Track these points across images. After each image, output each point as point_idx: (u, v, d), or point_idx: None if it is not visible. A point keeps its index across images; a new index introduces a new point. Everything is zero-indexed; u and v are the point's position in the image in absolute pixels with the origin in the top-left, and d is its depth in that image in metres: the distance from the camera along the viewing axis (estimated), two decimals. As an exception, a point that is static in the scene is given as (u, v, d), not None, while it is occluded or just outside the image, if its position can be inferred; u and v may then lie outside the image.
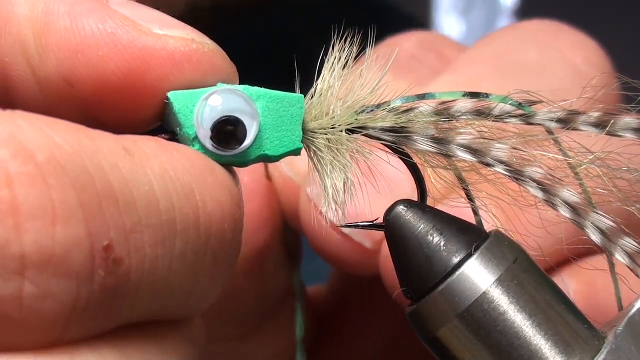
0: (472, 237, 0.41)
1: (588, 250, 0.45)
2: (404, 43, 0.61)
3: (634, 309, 0.40)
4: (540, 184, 0.42)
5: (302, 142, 0.42)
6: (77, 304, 0.32)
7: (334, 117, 0.43)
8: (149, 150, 0.35)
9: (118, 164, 0.34)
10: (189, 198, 0.36)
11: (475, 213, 0.44)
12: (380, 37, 0.49)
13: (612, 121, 0.42)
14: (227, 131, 0.40)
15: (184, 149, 0.38)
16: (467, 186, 0.44)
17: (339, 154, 0.43)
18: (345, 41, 0.44)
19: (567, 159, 0.43)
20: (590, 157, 0.43)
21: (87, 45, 0.37)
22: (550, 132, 0.43)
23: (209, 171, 0.37)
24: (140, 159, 0.35)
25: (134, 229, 0.33)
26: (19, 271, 0.31)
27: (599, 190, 0.43)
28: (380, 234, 0.46)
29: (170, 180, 0.35)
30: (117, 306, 0.33)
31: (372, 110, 0.44)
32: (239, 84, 0.41)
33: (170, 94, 0.39)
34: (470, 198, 0.44)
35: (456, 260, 0.40)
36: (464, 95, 0.44)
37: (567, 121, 0.43)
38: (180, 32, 0.39)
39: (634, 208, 0.43)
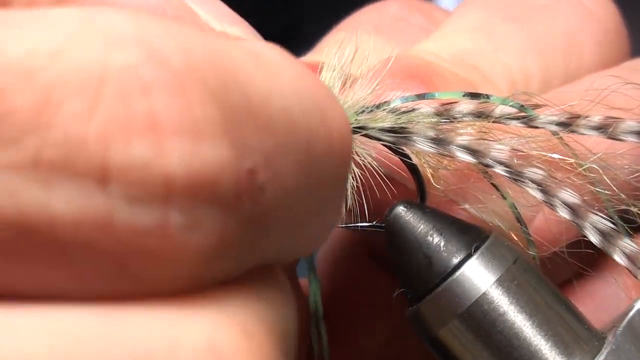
0: (471, 237, 0.42)
1: None
2: (388, 7, 0.59)
3: (634, 310, 0.41)
4: (539, 185, 0.43)
5: None
6: (224, 237, 0.28)
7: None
8: (275, 60, 0.31)
9: (254, 74, 0.29)
10: (323, 119, 0.31)
11: (475, 213, 0.45)
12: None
13: (614, 124, 0.43)
14: None
15: (301, 63, 0.33)
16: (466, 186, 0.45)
17: None
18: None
19: (568, 159, 0.44)
20: (592, 159, 0.44)
21: None
22: (554, 133, 0.44)
23: (330, 93, 0.33)
24: (271, 69, 0.30)
25: (274, 151, 0.29)
26: (164, 197, 0.27)
27: (601, 191, 0.44)
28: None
29: (304, 95, 0.31)
30: (257, 242, 0.30)
31: (372, 111, 0.44)
32: None
33: None
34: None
35: (456, 260, 0.41)
36: (464, 96, 0.45)
37: (569, 124, 0.43)
38: (239, 30, 0.36)
39: (635, 209, 0.44)
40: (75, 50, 0.26)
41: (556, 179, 0.43)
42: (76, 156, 0.26)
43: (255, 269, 0.31)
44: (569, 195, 0.43)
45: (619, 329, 0.40)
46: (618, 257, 0.43)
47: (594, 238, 0.43)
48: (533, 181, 0.43)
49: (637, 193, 0.45)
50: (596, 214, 0.43)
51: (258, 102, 0.29)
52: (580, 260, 0.46)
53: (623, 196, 0.44)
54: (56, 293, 0.27)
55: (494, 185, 0.45)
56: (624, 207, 0.44)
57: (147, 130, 0.26)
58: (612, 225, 0.43)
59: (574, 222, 0.43)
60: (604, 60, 0.54)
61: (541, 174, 0.43)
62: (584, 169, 0.44)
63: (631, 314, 0.41)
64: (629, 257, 0.43)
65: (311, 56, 0.54)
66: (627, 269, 0.43)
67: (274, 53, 0.31)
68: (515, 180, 0.43)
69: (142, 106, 0.26)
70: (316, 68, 0.45)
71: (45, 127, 0.26)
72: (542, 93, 0.49)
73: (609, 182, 0.44)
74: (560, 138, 0.44)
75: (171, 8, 0.34)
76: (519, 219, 0.44)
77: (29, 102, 0.26)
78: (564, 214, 0.43)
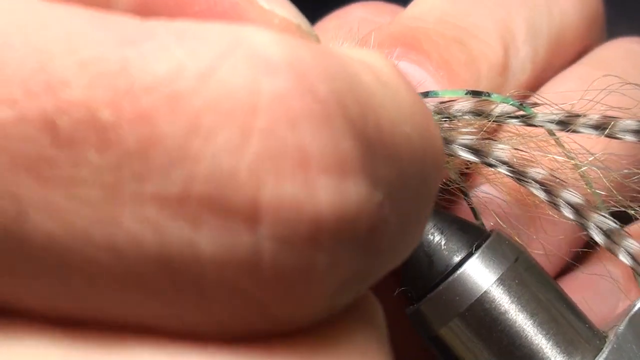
0: (472, 236, 0.42)
1: None
2: (352, 12, 0.58)
3: (635, 308, 0.41)
4: (542, 185, 0.43)
5: None
6: (356, 273, 0.27)
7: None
8: (394, 81, 0.29)
9: (384, 100, 0.28)
10: (431, 137, 0.29)
11: (476, 213, 0.45)
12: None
13: (612, 123, 0.43)
14: None
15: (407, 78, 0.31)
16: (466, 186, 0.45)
17: None
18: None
19: (569, 160, 0.44)
20: (591, 159, 0.44)
21: None
22: (551, 133, 0.44)
23: (429, 111, 0.31)
24: (393, 90, 0.28)
25: (397, 181, 0.27)
26: (313, 238, 0.25)
27: (598, 191, 0.44)
28: None
29: (419, 119, 0.29)
30: (375, 271, 0.28)
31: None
32: None
33: None
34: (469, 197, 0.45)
35: (457, 259, 0.41)
36: (465, 94, 0.45)
37: (567, 123, 0.44)
38: (287, 12, 0.33)
39: (632, 211, 0.44)
40: (224, 73, 0.24)
41: (559, 178, 0.43)
42: (227, 192, 0.24)
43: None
44: (572, 195, 0.43)
45: (620, 328, 0.41)
46: (623, 257, 0.43)
47: (598, 238, 0.43)
48: (536, 181, 0.43)
49: (635, 195, 0.45)
50: (600, 214, 0.43)
51: (388, 131, 0.27)
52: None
53: (620, 197, 0.44)
54: (195, 333, 0.26)
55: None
56: (621, 208, 0.44)
57: (298, 167, 0.24)
58: (615, 225, 0.43)
59: (577, 222, 0.43)
60: (584, 19, 0.55)
61: (544, 174, 0.43)
62: (581, 170, 0.44)
63: (632, 312, 0.41)
64: (633, 256, 0.43)
65: None
66: (631, 268, 0.43)
67: (391, 71, 0.29)
68: (519, 180, 0.43)
69: (292, 140, 0.24)
70: None
71: (195, 159, 0.24)
72: (529, 47, 0.49)
73: (607, 182, 0.44)
74: (557, 138, 0.44)
75: None
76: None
77: (177, 130, 0.24)
78: (567, 214, 0.43)
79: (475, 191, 0.46)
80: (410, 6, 0.53)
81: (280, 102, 0.24)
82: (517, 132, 0.45)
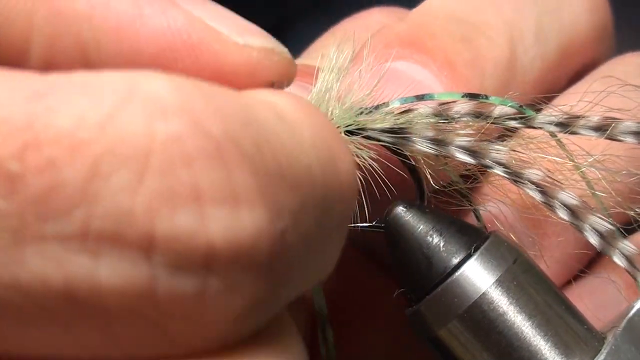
0: (471, 237, 0.42)
1: None
2: (371, 15, 0.60)
3: (633, 310, 0.41)
4: (538, 186, 0.43)
5: None
6: (259, 298, 0.29)
7: (332, 119, 0.44)
8: (296, 117, 0.31)
9: (282, 136, 0.30)
10: (336, 168, 0.32)
11: (475, 214, 0.45)
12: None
13: (612, 125, 0.43)
14: None
15: (317, 110, 0.34)
16: (465, 187, 0.45)
17: None
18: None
19: (568, 161, 0.44)
20: (590, 160, 0.44)
21: (159, 46, 0.33)
22: (552, 134, 0.44)
23: (340, 137, 0.34)
24: (293, 126, 0.31)
25: (299, 209, 0.29)
26: (205, 264, 0.27)
27: (597, 193, 0.44)
28: None
29: (321, 149, 0.31)
30: (281, 296, 0.30)
31: (371, 112, 0.45)
32: None
33: None
34: (468, 199, 0.45)
35: (456, 260, 0.41)
36: (463, 97, 0.45)
37: (567, 124, 0.44)
38: (261, 40, 0.35)
39: (632, 213, 0.45)
40: (121, 121, 0.27)
41: (555, 180, 0.43)
42: (123, 227, 0.27)
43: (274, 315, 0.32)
44: (568, 196, 0.43)
45: (619, 329, 0.41)
46: (617, 259, 0.43)
47: (592, 239, 0.43)
48: (532, 182, 0.43)
49: (635, 196, 0.45)
50: (595, 216, 0.43)
51: (286, 164, 0.29)
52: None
53: (620, 199, 0.44)
54: (98, 359, 0.28)
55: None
56: (621, 210, 0.45)
57: (191, 201, 0.27)
58: (610, 227, 0.43)
59: (573, 223, 0.43)
60: (594, 29, 0.55)
61: (540, 175, 0.43)
62: (581, 171, 0.44)
63: (630, 314, 0.41)
64: (627, 258, 0.43)
65: (305, 60, 0.54)
66: (626, 270, 0.43)
67: (294, 108, 0.32)
68: (515, 181, 0.44)
69: (185, 177, 0.27)
70: (312, 73, 0.46)
71: (93, 200, 0.26)
72: (537, 48, 0.49)
73: (606, 185, 0.44)
74: (558, 140, 0.45)
75: (195, 30, 0.34)
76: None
77: (77, 175, 0.26)
78: (563, 215, 0.43)
79: (486, 207, 0.46)
80: (422, 4, 0.53)
81: (174, 143, 0.27)
82: (527, 136, 0.45)
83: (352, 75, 0.45)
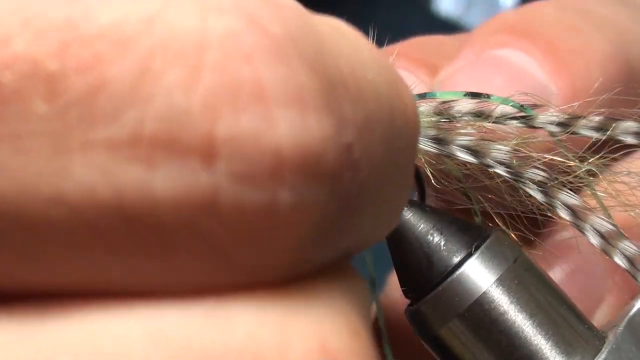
0: (472, 236, 0.42)
1: None
2: (439, 37, 0.57)
3: (635, 309, 0.41)
4: (539, 186, 0.44)
5: None
6: (326, 217, 0.26)
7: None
8: (352, 34, 0.29)
9: (341, 46, 0.27)
10: (399, 92, 0.29)
11: (475, 213, 0.46)
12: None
13: (613, 125, 0.44)
14: None
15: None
16: (467, 186, 0.45)
17: None
18: None
19: (569, 161, 0.45)
20: (590, 160, 0.44)
21: None
22: (552, 135, 0.45)
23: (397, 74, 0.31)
24: (355, 42, 0.29)
25: (365, 124, 0.26)
26: (274, 172, 0.24)
27: (599, 194, 0.44)
28: None
29: (383, 69, 0.29)
30: (349, 225, 0.27)
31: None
32: None
33: None
34: (469, 198, 0.46)
35: (456, 259, 0.42)
36: (464, 95, 0.45)
37: (568, 124, 0.44)
38: None
39: (632, 213, 0.45)
40: (170, 17, 0.24)
41: (556, 180, 0.44)
42: (181, 130, 0.24)
43: (337, 261, 0.28)
44: (569, 196, 0.43)
45: (620, 329, 0.41)
46: (618, 259, 0.43)
47: (594, 240, 0.43)
48: (534, 182, 0.44)
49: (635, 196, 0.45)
50: (596, 216, 0.43)
51: (349, 74, 0.26)
52: None
53: (620, 199, 0.45)
54: (151, 289, 0.25)
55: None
56: (621, 210, 0.45)
57: (255, 100, 0.24)
58: (612, 227, 0.43)
59: (574, 223, 0.43)
60: None
61: (542, 175, 0.44)
62: (581, 172, 0.44)
63: (632, 313, 0.41)
64: (629, 259, 0.43)
65: None
66: (627, 271, 0.43)
67: (347, 27, 0.29)
68: (516, 181, 0.44)
69: (247, 74, 0.24)
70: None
71: (145, 99, 0.23)
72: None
73: (606, 185, 0.44)
74: (558, 140, 0.45)
75: None
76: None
77: (126, 72, 0.23)
78: (564, 215, 0.43)
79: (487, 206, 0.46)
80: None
81: (232, 38, 0.24)
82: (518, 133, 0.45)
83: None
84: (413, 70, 0.49)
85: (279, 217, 0.25)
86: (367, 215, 0.28)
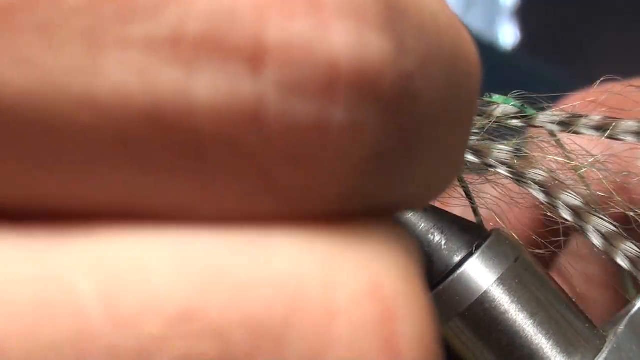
0: (473, 235, 0.42)
1: None
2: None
3: (635, 308, 0.41)
4: (542, 186, 0.44)
5: None
6: (381, 146, 0.23)
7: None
8: None
9: None
10: (462, 38, 0.26)
11: (476, 212, 0.46)
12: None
13: (613, 124, 0.44)
14: None
15: None
16: (467, 185, 0.46)
17: None
18: None
19: (569, 161, 0.45)
20: (590, 160, 0.45)
21: None
22: (552, 134, 0.45)
23: None
24: None
25: (427, 56, 0.24)
26: (327, 86, 0.22)
27: (599, 193, 0.45)
28: None
29: (446, 9, 0.26)
30: (404, 166, 0.24)
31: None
32: None
33: None
34: (470, 197, 0.46)
35: (457, 259, 0.42)
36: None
37: (568, 124, 0.44)
38: None
39: (632, 213, 0.45)
40: None
41: (558, 180, 0.44)
42: (226, 30, 0.21)
43: (386, 213, 0.25)
44: (571, 197, 0.44)
45: (620, 328, 0.41)
46: (621, 261, 0.43)
47: (596, 241, 0.43)
48: (535, 182, 0.44)
49: (635, 197, 0.46)
50: (599, 217, 0.43)
51: (410, 3, 0.24)
52: None
53: (620, 199, 0.45)
54: (184, 213, 0.22)
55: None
56: (621, 211, 0.45)
57: (309, 6, 0.21)
58: (614, 229, 0.43)
59: (576, 224, 0.44)
60: None
61: (544, 176, 0.44)
62: (581, 172, 0.45)
63: (632, 312, 0.41)
64: (632, 260, 0.43)
65: None
66: (630, 272, 0.43)
67: None
68: (518, 181, 0.44)
69: None
70: None
71: None
72: None
73: (607, 185, 0.45)
74: (558, 139, 0.45)
75: None
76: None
77: None
78: (566, 216, 0.43)
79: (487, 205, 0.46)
80: None
81: None
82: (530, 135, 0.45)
83: None
84: None
85: (330, 136, 0.22)
86: (423, 161, 0.25)
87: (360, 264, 0.23)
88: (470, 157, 0.44)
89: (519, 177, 0.44)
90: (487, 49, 1.16)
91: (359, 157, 0.23)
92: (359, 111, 0.22)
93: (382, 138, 0.23)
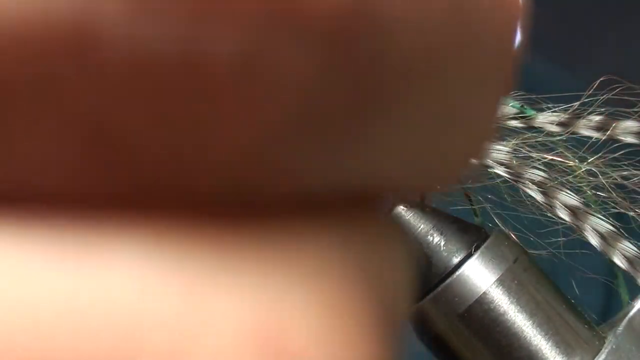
0: (472, 236, 0.43)
1: None
2: None
3: (634, 309, 0.42)
4: (539, 187, 0.44)
5: None
6: (298, 102, 0.15)
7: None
8: None
9: None
10: None
11: (475, 214, 0.46)
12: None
13: (613, 125, 0.44)
14: None
15: None
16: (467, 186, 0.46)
17: None
18: None
19: (568, 161, 0.45)
20: (590, 160, 0.45)
21: None
22: (552, 134, 0.45)
23: None
24: None
25: None
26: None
27: (598, 194, 0.45)
28: None
29: None
30: (368, 116, 0.16)
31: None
32: None
33: None
34: (469, 198, 0.46)
35: (456, 260, 0.42)
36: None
37: (568, 124, 0.44)
38: None
39: (631, 213, 0.45)
40: None
41: (556, 180, 0.44)
42: None
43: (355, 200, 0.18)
44: (569, 197, 0.44)
45: (619, 329, 0.41)
46: (618, 260, 0.44)
47: (593, 241, 0.44)
48: (533, 182, 0.44)
49: (635, 196, 0.46)
50: (596, 216, 0.44)
51: None
52: None
53: (620, 199, 0.45)
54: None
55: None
56: (621, 210, 0.45)
57: None
58: (612, 228, 0.44)
59: (573, 224, 0.44)
60: None
61: (541, 176, 0.44)
62: (582, 171, 0.45)
63: (631, 313, 0.42)
64: (629, 260, 0.44)
65: None
66: (627, 272, 0.44)
67: None
68: (515, 181, 0.44)
69: None
70: None
71: None
72: None
73: (606, 184, 0.45)
74: (558, 140, 0.45)
75: None
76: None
77: None
78: (563, 215, 0.44)
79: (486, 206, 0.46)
80: None
81: None
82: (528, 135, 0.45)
83: None
84: None
85: (205, 77, 0.14)
86: (399, 128, 0.17)
87: (243, 295, 0.15)
88: None
89: (516, 178, 0.44)
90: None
91: (266, 116, 0.15)
92: (266, 42, 0.14)
93: (311, 88, 0.15)
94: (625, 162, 0.46)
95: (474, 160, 0.20)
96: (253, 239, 0.16)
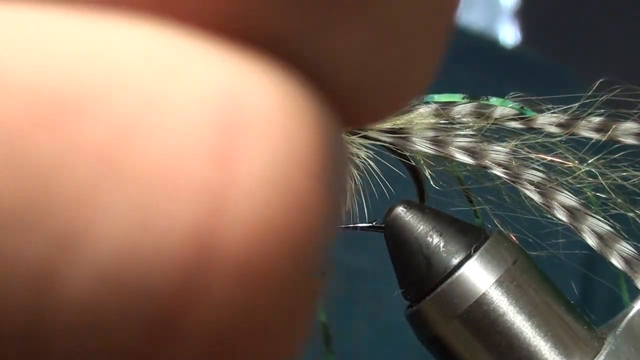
0: (471, 238, 0.43)
1: None
2: None
3: (633, 310, 0.42)
4: (537, 187, 0.44)
5: None
6: None
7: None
8: None
9: None
10: None
11: (475, 215, 0.46)
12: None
13: (613, 126, 0.44)
14: None
15: None
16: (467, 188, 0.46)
17: None
18: None
19: (568, 162, 0.45)
20: (590, 161, 0.45)
21: None
22: (551, 135, 0.45)
23: None
24: None
25: None
26: None
27: (598, 194, 0.45)
28: None
29: None
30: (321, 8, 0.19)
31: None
32: None
33: None
34: (469, 200, 0.46)
35: (455, 261, 0.42)
36: (463, 98, 0.46)
37: (568, 126, 0.45)
38: None
39: (631, 214, 0.45)
40: None
41: (554, 181, 0.44)
42: None
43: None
44: (567, 198, 0.44)
45: (618, 330, 0.42)
46: (616, 261, 0.44)
47: (591, 241, 0.44)
48: (531, 183, 0.44)
49: (635, 198, 0.46)
50: (594, 217, 0.44)
51: None
52: None
53: (619, 200, 0.45)
54: None
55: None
56: (621, 212, 0.45)
57: None
58: (609, 229, 0.44)
59: (571, 225, 0.44)
60: None
61: (539, 177, 0.44)
62: (582, 172, 0.45)
63: (630, 315, 0.42)
64: (626, 261, 0.44)
65: None
66: (625, 272, 0.44)
67: None
68: (514, 182, 0.44)
69: None
70: None
71: None
72: None
73: (605, 186, 0.45)
74: (557, 141, 0.45)
75: None
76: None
77: None
78: (561, 216, 0.44)
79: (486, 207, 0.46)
80: None
81: None
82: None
83: None
84: None
85: None
86: (353, 23, 0.20)
87: (215, 65, 0.19)
88: (466, 159, 0.44)
89: (514, 178, 0.44)
90: (488, 49, 1.16)
91: None
92: None
93: None
94: (625, 164, 0.46)
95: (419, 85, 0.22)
96: (238, 50, 0.19)
